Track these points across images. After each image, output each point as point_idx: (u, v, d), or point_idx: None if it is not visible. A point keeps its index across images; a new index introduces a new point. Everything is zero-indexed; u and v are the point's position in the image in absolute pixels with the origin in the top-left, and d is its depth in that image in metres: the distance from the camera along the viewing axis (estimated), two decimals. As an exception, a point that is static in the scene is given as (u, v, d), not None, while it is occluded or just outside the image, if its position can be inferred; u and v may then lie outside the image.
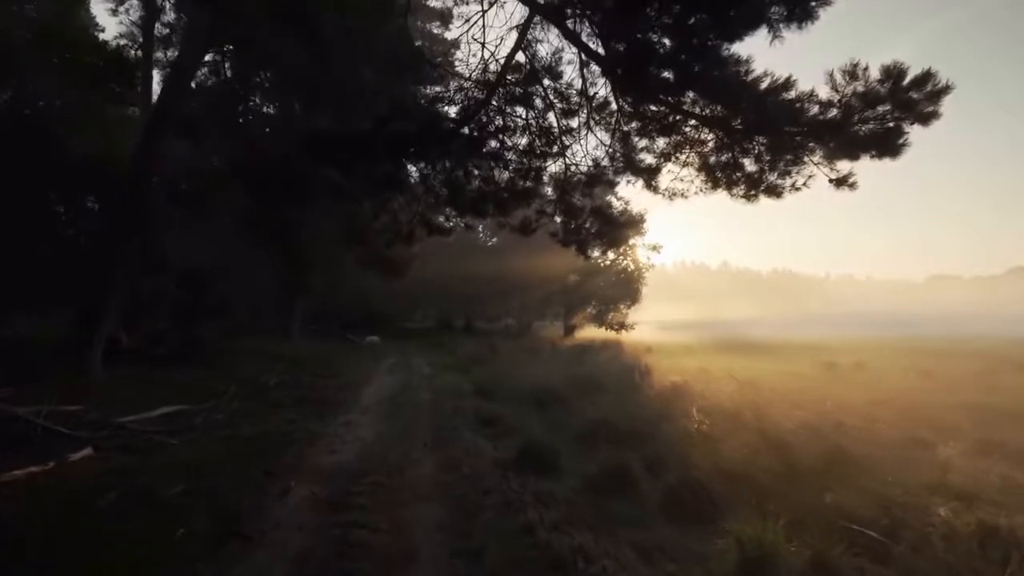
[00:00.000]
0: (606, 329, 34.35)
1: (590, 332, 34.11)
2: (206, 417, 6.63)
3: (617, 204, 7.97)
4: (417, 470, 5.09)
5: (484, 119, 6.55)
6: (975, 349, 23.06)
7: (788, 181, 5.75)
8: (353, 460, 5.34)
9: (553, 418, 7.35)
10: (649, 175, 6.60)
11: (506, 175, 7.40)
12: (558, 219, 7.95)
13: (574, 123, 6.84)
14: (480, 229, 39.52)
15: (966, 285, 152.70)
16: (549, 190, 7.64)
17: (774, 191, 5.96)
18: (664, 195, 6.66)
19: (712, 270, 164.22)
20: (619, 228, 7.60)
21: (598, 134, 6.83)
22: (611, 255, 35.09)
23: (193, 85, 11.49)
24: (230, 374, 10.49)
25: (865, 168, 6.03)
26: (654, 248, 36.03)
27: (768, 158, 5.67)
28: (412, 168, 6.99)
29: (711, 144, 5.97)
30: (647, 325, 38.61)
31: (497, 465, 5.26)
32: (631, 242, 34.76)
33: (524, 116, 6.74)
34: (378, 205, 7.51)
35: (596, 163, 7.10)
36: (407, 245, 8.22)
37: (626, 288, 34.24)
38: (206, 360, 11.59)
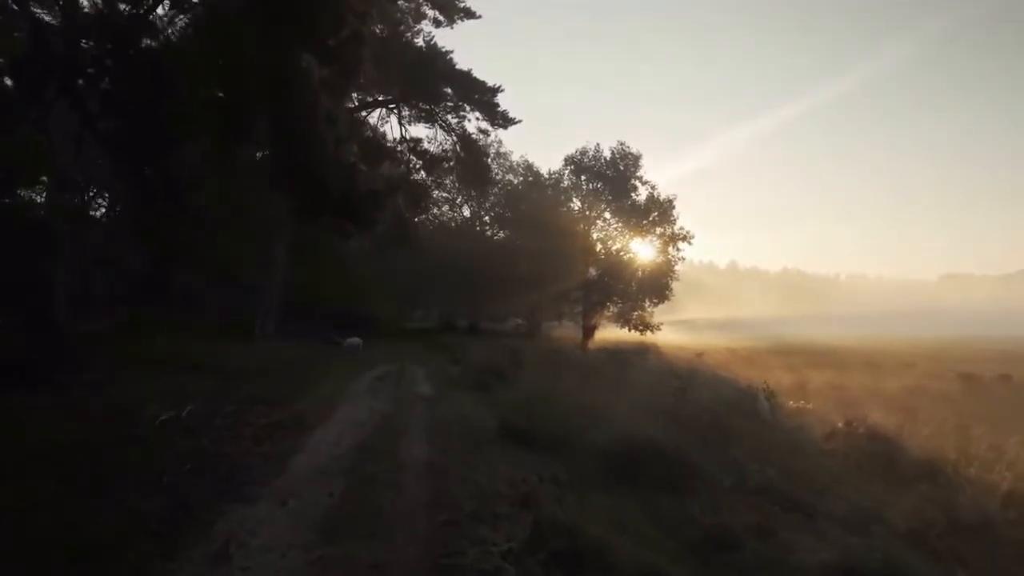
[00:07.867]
0: (629, 330, 30.27)
1: (609, 333, 30.04)
2: None
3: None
4: None
5: None
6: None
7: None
8: None
9: (711, 538, 3.07)
10: None
11: None
12: None
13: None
14: (486, 220, 35.03)
15: (980, 284, 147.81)
16: None
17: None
18: None
19: (720, 269, 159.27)
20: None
21: None
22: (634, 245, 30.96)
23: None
24: (101, 401, 6.30)
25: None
26: (684, 238, 31.63)
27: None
28: None
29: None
30: (670, 325, 34.47)
31: None
32: (659, 231, 30.78)
33: None
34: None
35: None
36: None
37: (654, 284, 30.05)
38: (88, 375, 7.39)
